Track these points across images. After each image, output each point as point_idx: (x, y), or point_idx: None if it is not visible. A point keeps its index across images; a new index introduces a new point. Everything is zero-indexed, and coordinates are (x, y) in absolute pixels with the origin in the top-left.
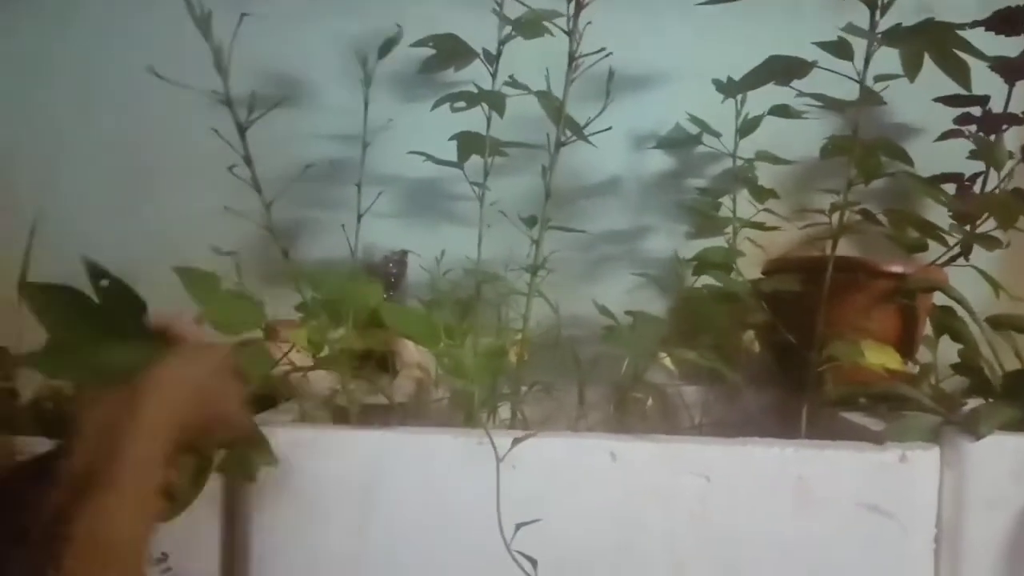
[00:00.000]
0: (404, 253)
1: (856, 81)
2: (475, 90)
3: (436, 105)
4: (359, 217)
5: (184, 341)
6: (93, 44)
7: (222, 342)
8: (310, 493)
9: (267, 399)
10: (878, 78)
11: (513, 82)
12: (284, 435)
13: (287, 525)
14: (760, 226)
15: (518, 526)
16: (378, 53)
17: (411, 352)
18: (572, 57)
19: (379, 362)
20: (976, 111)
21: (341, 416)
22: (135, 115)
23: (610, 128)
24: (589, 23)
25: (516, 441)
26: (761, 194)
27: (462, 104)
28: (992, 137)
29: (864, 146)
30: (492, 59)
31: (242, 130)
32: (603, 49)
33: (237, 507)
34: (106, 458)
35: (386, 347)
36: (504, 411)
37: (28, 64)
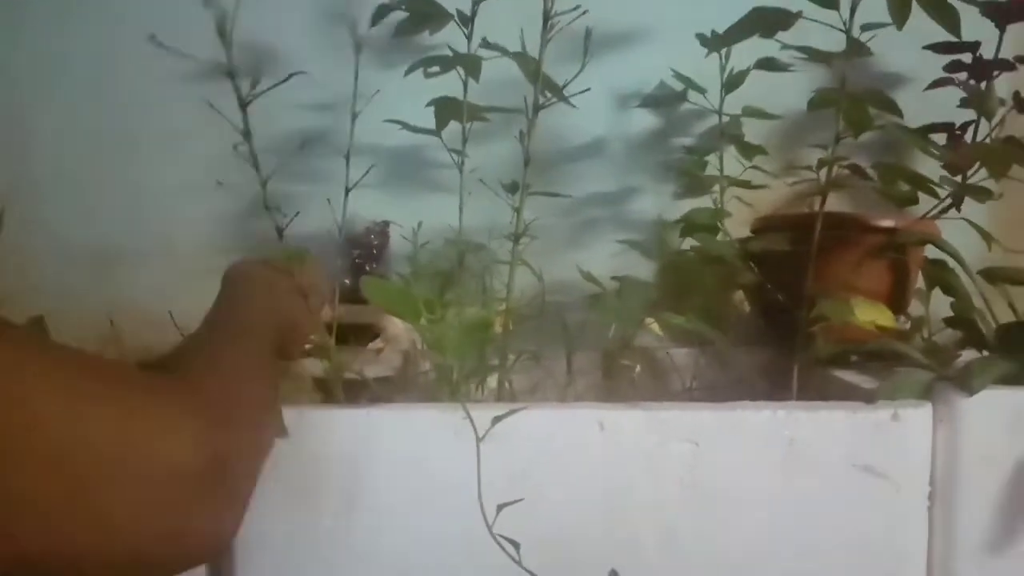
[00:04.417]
0: (386, 224)
1: (843, 31)
2: (450, 54)
3: (409, 71)
4: (347, 191)
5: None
6: (67, 13)
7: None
8: (295, 474)
9: None
10: (865, 27)
11: (488, 44)
12: None
13: (272, 507)
14: (748, 184)
15: (499, 508)
16: (371, 21)
17: (397, 325)
18: (547, 16)
19: (364, 336)
20: (967, 58)
21: (326, 392)
22: (111, 88)
23: (588, 89)
24: None
25: (496, 419)
26: (749, 151)
27: (436, 69)
28: (983, 85)
29: (852, 98)
30: (467, 20)
31: (244, 104)
32: (578, 7)
33: None
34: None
35: (372, 320)
36: (493, 381)
37: None
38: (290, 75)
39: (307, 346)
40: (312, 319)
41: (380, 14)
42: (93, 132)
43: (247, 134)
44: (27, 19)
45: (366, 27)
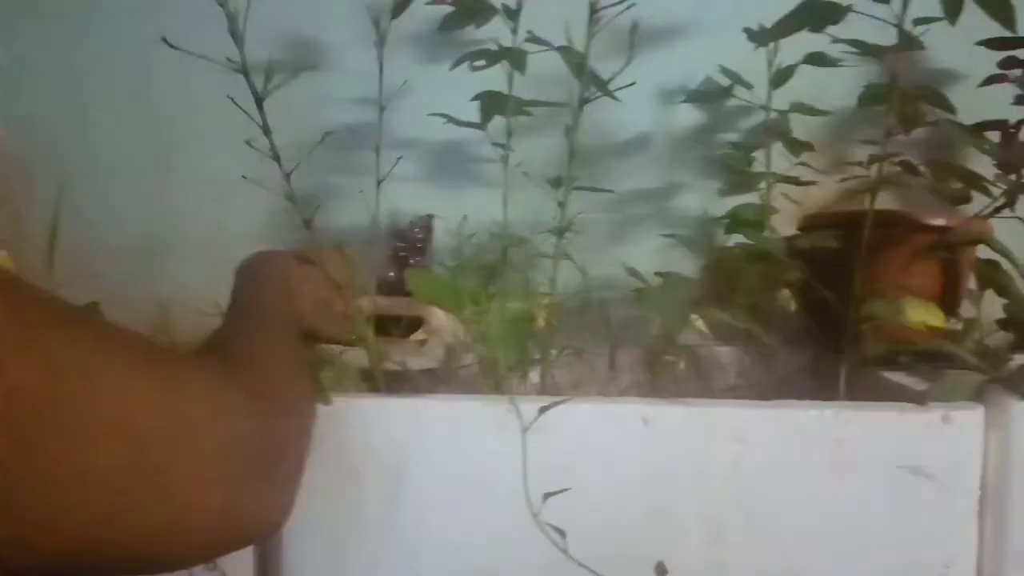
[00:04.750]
0: (430, 218)
1: (894, 25)
2: (495, 48)
3: (455, 64)
4: (378, 183)
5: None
6: (118, 12)
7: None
8: (341, 462)
9: None
10: (917, 21)
11: (533, 37)
12: None
13: (318, 494)
14: (795, 180)
15: (546, 496)
16: (391, 13)
17: (440, 317)
18: (593, 9)
19: (407, 328)
20: (1022, 54)
21: (372, 383)
22: (160, 84)
23: (634, 83)
24: None
25: (543, 410)
26: (795, 147)
27: (482, 63)
28: None
29: (903, 94)
30: (512, 14)
31: (259, 100)
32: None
33: None
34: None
35: (415, 312)
36: (535, 376)
37: (53, 35)
38: (304, 69)
39: (347, 332)
40: (337, 306)
41: (400, 6)
42: (148, 122)
43: (266, 130)
44: (85, 19)
45: (407, 21)
